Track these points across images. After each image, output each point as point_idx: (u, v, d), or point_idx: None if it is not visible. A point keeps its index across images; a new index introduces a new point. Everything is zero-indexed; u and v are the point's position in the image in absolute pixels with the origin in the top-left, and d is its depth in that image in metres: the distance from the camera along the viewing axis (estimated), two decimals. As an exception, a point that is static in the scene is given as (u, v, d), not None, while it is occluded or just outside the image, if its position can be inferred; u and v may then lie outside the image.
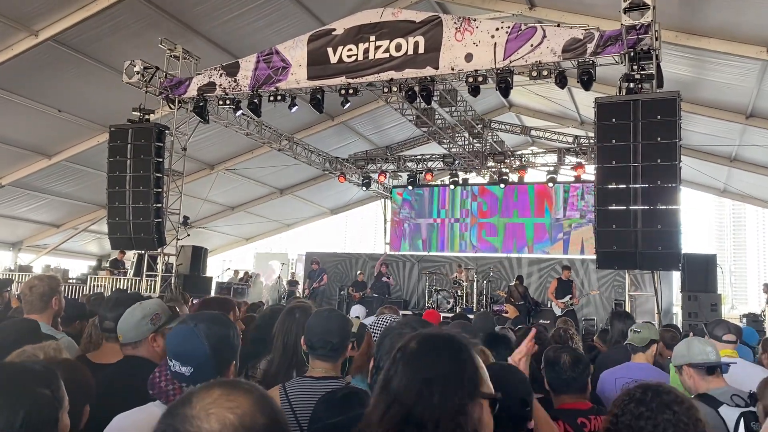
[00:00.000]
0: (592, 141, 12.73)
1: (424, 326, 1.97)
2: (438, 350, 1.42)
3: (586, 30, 9.78)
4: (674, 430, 1.84)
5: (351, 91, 11.44)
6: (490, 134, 18.29)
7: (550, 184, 18.45)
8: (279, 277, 19.18)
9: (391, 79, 11.09)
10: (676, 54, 11.76)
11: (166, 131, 12.60)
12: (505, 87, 10.39)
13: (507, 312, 7.60)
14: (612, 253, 9.11)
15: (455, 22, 10.65)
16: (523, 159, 18.56)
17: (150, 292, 12.41)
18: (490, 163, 18.70)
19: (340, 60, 11.36)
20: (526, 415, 2.03)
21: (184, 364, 1.92)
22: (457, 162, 18.75)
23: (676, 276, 13.01)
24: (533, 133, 18.73)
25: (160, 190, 12.31)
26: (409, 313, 14.25)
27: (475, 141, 17.82)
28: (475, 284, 15.86)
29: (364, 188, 20.49)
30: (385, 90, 11.41)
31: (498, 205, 20.30)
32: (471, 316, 7.47)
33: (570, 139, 17.66)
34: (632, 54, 9.27)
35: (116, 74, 12.37)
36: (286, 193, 22.05)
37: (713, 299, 11.89)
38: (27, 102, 13.17)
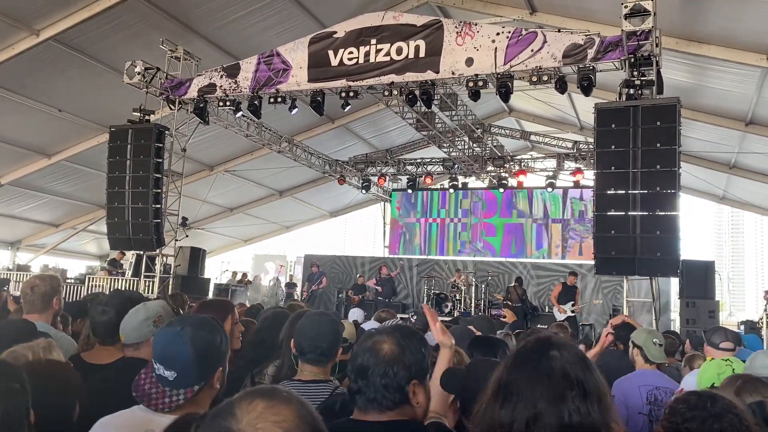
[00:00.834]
0: (591, 146, 12.75)
1: (392, 328, 1.96)
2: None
3: (586, 36, 9.81)
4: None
5: (351, 94, 11.45)
6: (489, 139, 18.31)
7: (549, 189, 18.46)
8: (277, 279, 19.15)
9: (392, 83, 11.11)
10: (677, 60, 11.79)
11: (166, 132, 12.60)
12: (505, 92, 10.41)
13: (505, 317, 7.59)
14: (610, 258, 9.11)
15: (456, 27, 10.67)
16: (522, 164, 18.59)
17: (148, 293, 12.39)
18: (490, 168, 18.73)
19: (341, 63, 11.37)
20: None
21: (168, 368, 1.88)
22: (456, 166, 18.77)
23: (674, 282, 13.02)
24: (533, 138, 18.78)
25: (159, 190, 12.31)
26: (407, 316, 14.25)
27: (474, 145, 17.84)
28: (473, 288, 15.85)
29: (363, 191, 20.50)
30: (386, 93, 11.42)
31: (497, 205, 20.29)
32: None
33: (569, 145, 17.69)
34: (632, 60, 9.29)
35: (117, 74, 12.37)
36: (285, 195, 22.05)
37: (711, 306, 11.90)
38: (27, 101, 13.18)
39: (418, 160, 19.74)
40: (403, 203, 21.67)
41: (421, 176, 19.56)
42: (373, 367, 1.78)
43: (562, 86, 10.21)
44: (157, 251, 12.72)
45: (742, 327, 12.48)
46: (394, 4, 13.11)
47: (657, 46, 9.20)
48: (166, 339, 1.93)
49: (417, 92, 11.13)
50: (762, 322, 11.65)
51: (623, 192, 8.97)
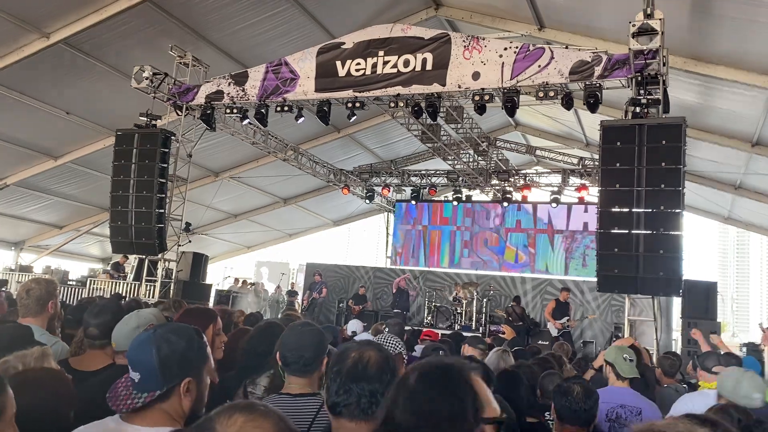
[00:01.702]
0: (596, 163, 12.73)
1: (371, 342, 1.99)
2: (437, 383, 1.43)
3: (594, 53, 9.83)
4: None
5: (358, 104, 11.49)
6: (495, 152, 18.32)
7: (554, 205, 18.43)
8: (279, 287, 19.14)
9: (398, 95, 11.13)
10: (684, 80, 11.78)
11: (172, 137, 12.65)
12: (511, 106, 10.42)
13: (504, 333, 7.57)
14: (613, 276, 9.07)
15: (464, 41, 10.71)
16: (527, 178, 18.58)
17: (149, 297, 12.39)
18: (494, 181, 18.73)
19: (348, 73, 11.42)
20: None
21: (134, 369, 1.88)
22: (461, 179, 18.78)
23: (676, 302, 12.95)
24: (538, 152, 18.77)
25: (163, 195, 12.34)
26: (408, 328, 14.20)
27: (479, 158, 17.86)
28: (474, 302, 15.79)
29: (367, 201, 20.52)
30: (392, 105, 11.46)
31: (502, 215, 20.24)
32: (467, 334, 7.45)
33: (575, 160, 17.68)
34: (639, 78, 9.30)
35: (125, 79, 12.44)
36: (289, 203, 22.08)
37: (713, 327, 11.79)
38: (35, 103, 13.25)
39: (423, 172, 19.76)
40: (406, 213, 21.59)
41: (425, 188, 19.57)
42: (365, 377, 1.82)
43: (568, 102, 10.21)
44: (160, 256, 12.73)
45: (744, 349, 12.39)
46: (402, 16, 13.17)
47: (664, 65, 9.20)
48: (137, 341, 1.94)
49: (423, 104, 11.16)
50: (764, 345, 11.57)
51: (627, 210, 8.95)
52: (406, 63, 11.00)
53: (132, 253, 13.32)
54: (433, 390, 1.42)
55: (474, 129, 16.02)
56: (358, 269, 20.29)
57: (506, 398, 2.86)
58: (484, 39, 10.67)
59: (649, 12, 8.86)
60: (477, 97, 10.63)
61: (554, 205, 18.41)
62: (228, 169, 18.52)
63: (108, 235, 13.08)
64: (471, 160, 17.74)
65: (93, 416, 1.89)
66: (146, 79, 12.08)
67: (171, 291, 13.05)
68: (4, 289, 5.05)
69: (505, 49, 10.40)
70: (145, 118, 12.58)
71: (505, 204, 19.07)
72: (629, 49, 9.06)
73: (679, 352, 12.33)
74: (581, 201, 17.98)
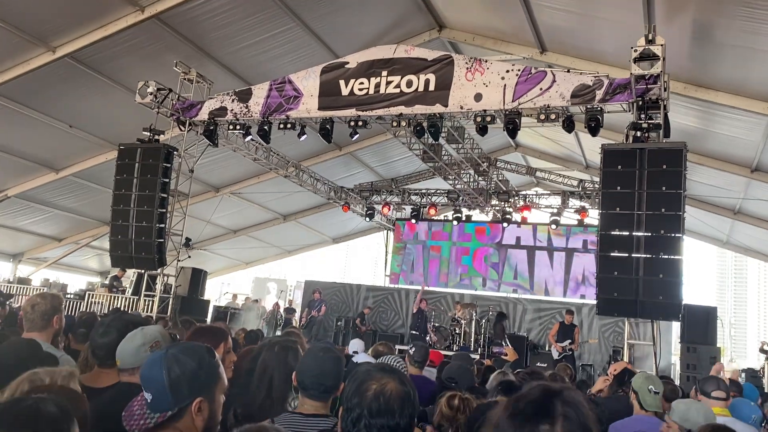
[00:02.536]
0: (597, 185, 12.79)
1: (389, 368, 1.95)
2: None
3: (595, 77, 9.91)
4: None
5: (360, 123, 11.56)
6: (495, 173, 18.38)
7: (554, 226, 18.45)
8: (277, 304, 19.07)
9: (401, 114, 11.21)
10: (685, 105, 11.88)
11: (175, 152, 12.68)
12: (512, 128, 10.49)
13: (506, 354, 7.53)
14: (612, 300, 9.07)
15: (467, 62, 10.81)
16: (527, 199, 18.63)
17: (147, 312, 12.35)
18: (494, 202, 18.78)
19: (352, 93, 11.50)
20: None
21: (146, 389, 1.90)
22: (461, 198, 18.82)
23: (675, 326, 12.93)
24: (538, 174, 18.86)
25: (164, 210, 12.35)
26: (405, 348, 14.11)
27: (480, 179, 17.92)
28: (473, 323, 15.70)
29: (367, 219, 20.53)
30: (394, 124, 11.53)
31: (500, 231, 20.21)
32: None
33: (575, 183, 17.75)
34: (640, 103, 9.37)
35: (129, 94, 12.52)
36: (289, 219, 22.09)
37: (712, 352, 11.79)
38: (39, 116, 13.31)
39: (423, 191, 19.81)
40: (405, 232, 21.57)
41: (426, 206, 19.60)
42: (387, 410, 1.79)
43: (569, 125, 10.29)
44: (159, 271, 12.71)
45: (744, 374, 12.35)
46: (406, 37, 13.30)
47: (665, 90, 9.28)
48: (149, 361, 1.96)
49: (425, 124, 11.22)
50: (764, 371, 11.56)
51: (627, 233, 8.97)
52: (409, 83, 11.09)
53: (131, 267, 13.29)
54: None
55: (475, 149, 16.10)
56: (358, 287, 20.23)
57: None
58: (486, 61, 10.77)
59: (650, 37, 8.96)
60: (479, 119, 10.71)
61: (554, 226, 18.45)
62: (229, 185, 18.56)
63: (107, 248, 13.09)
64: (471, 180, 17.80)
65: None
66: (150, 94, 12.15)
67: (169, 306, 13.01)
68: (9, 302, 5.02)
69: (507, 71, 10.49)
70: (148, 133, 12.63)
71: (505, 224, 19.09)
72: (631, 73, 9.14)
73: (677, 376, 12.31)
74: (581, 223, 18.01)
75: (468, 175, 17.62)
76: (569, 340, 13.02)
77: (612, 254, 9.10)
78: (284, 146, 15.38)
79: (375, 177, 20.22)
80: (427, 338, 15.08)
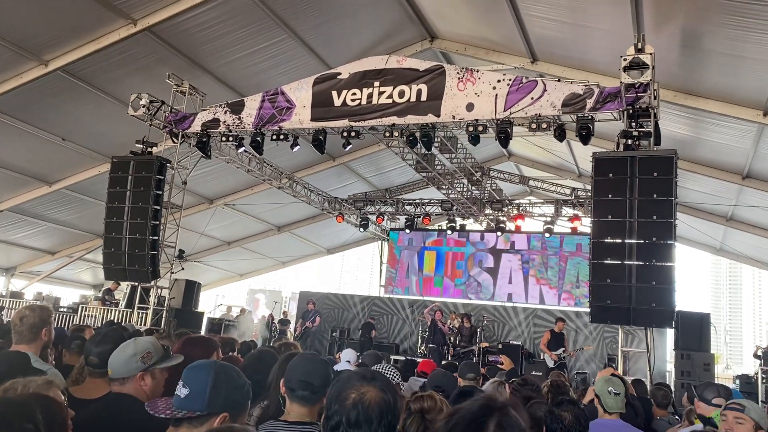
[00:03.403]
0: (589, 193, 12.85)
1: (371, 374, 1.95)
2: None
3: (586, 86, 9.98)
4: None
5: (353, 133, 11.59)
6: (488, 182, 18.44)
7: (547, 235, 18.49)
8: (271, 315, 19.01)
9: (393, 125, 11.24)
10: (675, 113, 11.97)
11: (168, 164, 12.68)
12: (504, 137, 10.54)
13: (502, 363, 7.53)
14: (606, 307, 9.09)
15: (458, 72, 10.87)
16: (520, 208, 18.68)
17: (141, 324, 12.30)
18: (488, 211, 18.82)
19: (344, 103, 11.54)
20: None
21: (185, 385, 2.01)
22: (455, 208, 18.86)
23: (670, 333, 12.96)
24: (531, 183, 18.92)
25: (157, 222, 12.33)
26: (402, 358, 14.09)
27: (473, 188, 17.96)
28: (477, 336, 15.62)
29: (361, 229, 20.53)
30: (387, 134, 11.55)
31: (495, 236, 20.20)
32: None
33: (567, 191, 17.81)
34: (631, 111, 9.44)
35: (122, 106, 12.53)
36: (283, 231, 22.08)
37: (706, 359, 11.82)
38: (32, 129, 13.30)
39: (417, 201, 19.84)
40: (400, 237, 21.52)
41: (420, 216, 19.62)
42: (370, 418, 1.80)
43: (561, 134, 10.35)
44: (152, 283, 12.67)
45: (738, 381, 12.38)
46: (398, 48, 13.37)
47: (655, 98, 9.36)
48: (198, 364, 2.11)
49: (417, 134, 11.27)
50: (757, 377, 11.58)
51: (620, 241, 9.01)
52: (402, 94, 11.14)
53: (124, 279, 13.25)
54: None
55: (468, 159, 16.16)
56: (353, 298, 20.21)
57: None
58: (477, 71, 10.84)
59: (640, 46, 9.04)
60: (471, 128, 10.76)
61: (548, 234, 18.48)
62: (222, 197, 18.54)
63: (100, 261, 13.02)
64: (465, 189, 17.84)
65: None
66: (143, 106, 12.15)
67: (163, 319, 12.96)
68: (0, 314, 4.98)
69: (499, 81, 10.55)
70: (141, 146, 12.63)
71: (499, 233, 19.11)
72: (621, 82, 9.22)
73: (672, 382, 12.31)
74: (574, 231, 18.07)
75: (461, 185, 17.67)
76: (562, 348, 13.03)
77: (605, 262, 9.13)
78: (277, 157, 15.39)
79: (369, 187, 20.24)
80: (442, 349, 15.01)
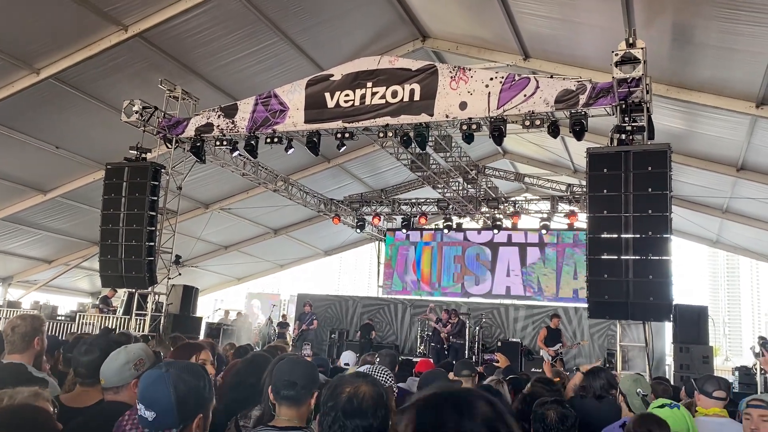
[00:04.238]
0: (584, 189, 12.86)
1: (363, 375, 2.00)
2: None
3: (578, 82, 9.99)
4: None
5: (347, 135, 11.56)
6: (484, 180, 18.46)
7: (543, 231, 18.51)
8: (269, 318, 18.99)
9: (387, 125, 11.24)
10: (668, 107, 11.98)
11: (162, 170, 12.65)
12: (498, 135, 10.54)
13: (498, 361, 7.53)
14: (603, 302, 9.08)
15: (450, 71, 10.86)
16: (516, 205, 18.69)
17: (139, 331, 12.26)
18: (484, 209, 18.83)
19: (337, 105, 11.53)
20: None
21: (148, 408, 1.92)
22: (451, 207, 18.86)
23: (668, 327, 12.96)
24: (527, 180, 18.93)
25: (153, 228, 12.29)
26: (400, 359, 14.07)
27: (469, 186, 17.97)
28: (467, 330, 15.69)
29: (358, 230, 20.52)
30: (381, 135, 11.55)
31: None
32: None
33: (563, 187, 17.83)
34: (624, 106, 9.43)
35: (115, 113, 12.50)
36: (280, 234, 22.06)
37: (705, 351, 11.81)
38: (25, 138, 13.26)
39: (413, 200, 19.84)
40: (397, 235, 21.51)
41: (416, 216, 19.62)
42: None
43: (554, 130, 10.35)
44: (150, 289, 12.64)
45: (737, 373, 12.39)
46: (390, 48, 13.37)
47: (647, 92, 9.36)
48: (149, 379, 1.97)
49: (412, 134, 11.27)
50: (756, 368, 11.59)
51: (616, 236, 9.00)
52: (394, 94, 11.13)
53: (122, 286, 13.21)
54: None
55: (463, 157, 16.16)
56: (352, 299, 20.20)
57: None
58: (470, 69, 10.83)
59: (631, 41, 9.04)
60: (465, 127, 10.76)
61: (544, 231, 18.51)
62: (218, 201, 18.53)
63: (97, 269, 12.99)
64: (460, 188, 17.85)
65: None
66: (136, 113, 12.12)
67: (161, 324, 12.93)
68: None
69: (491, 79, 10.55)
70: (135, 152, 12.58)
71: (496, 231, 19.12)
72: (613, 77, 9.22)
73: (671, 376, 12.32)
74: (571, 227, 18.10)
75: (457, 183, 17.67)
76: (559, 344, 13.07)
77: (602, 257, 9.12)
78: (272, 160, 15.37)
79: (364, 188, 20.23)
80: (440, 347, 15.02)
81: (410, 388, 5.25)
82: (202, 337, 15.52)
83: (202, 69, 12.88)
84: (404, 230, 20.12)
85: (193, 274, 20.83)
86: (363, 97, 11.35)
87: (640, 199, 8.84)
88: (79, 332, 10.81)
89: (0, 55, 10.98)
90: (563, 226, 18.75)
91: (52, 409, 2.11)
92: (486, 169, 18.75)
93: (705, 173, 14.45)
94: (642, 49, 9.00)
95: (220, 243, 21.65)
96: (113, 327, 12.20)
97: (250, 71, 13.15)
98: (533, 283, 19.41)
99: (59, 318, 15.21)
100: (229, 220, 19.62)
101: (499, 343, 15.76)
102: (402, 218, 19.95)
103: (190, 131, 12.72)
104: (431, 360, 10.25)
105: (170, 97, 12.67)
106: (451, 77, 10.80)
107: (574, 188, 17.47)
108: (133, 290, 12.81)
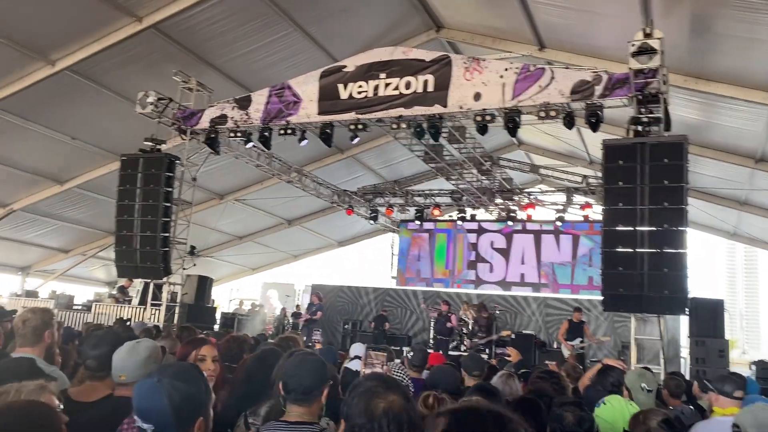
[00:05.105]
0: (601, 181, 12.73)
1: (392, 382, 1.96)
2: None
3: (594, 72, 9.86)
4: None
5: (360, 126, 11.54)
6: (498, 171, 18.32)
7: (558, 223, 18.37)
8: (284, 309, 19.08)
9: (400, 116, 11.19)
10: (685, 98, 11.80)
11: (177, 161, 12.71)
12: (512, 126, 10.46)
13: (510, 355, 7.50)
14: (618, 295, 9.02)
15: (464, 62, 10.78)
16: (531, 197, 18.56)
17: (154, 321, 12.37)
18: (498, 200, 18.72)
19: (351, 96, 11.49)
20: None
21: (145, 420, 1.87)
22: (464, 198, 18.77)
23: (684, 320, 12.84)
24: (542, 171, 18.76)
25: (168, 219, 12.39)
26: (407, 350, 14.10)
27: (483, 178, 17.86)
28: (494, 325, 15.56)
29: (371, 222, 20.52)
30: (394, 126, 11.51)
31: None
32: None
33: (578, 179, 17.65)
34: (640, 97, 9.32)
35: (130, 104, 12.55)
36: (294, 224, 22.12)
37: (721, 345, 11.67)
38: (42, 129, 13.38)
39: (426, 192, 19.77)
40: (411, 232, 21.52)
41: (429, 207, 19.56)
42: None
43: (569, 122, 10.23)
44: (165, 279, 12.74)
45: (754, 367, 12.24)
46: (403, 39, 13.28)
47: (665, 83, 9.23)
48: (143, 391, 1.91)
49: (425, 125, 11.19)
50: (774, 363, 11.45)
51: (631, 228, 8.91)
52: (408, 85, 11.07)
53: (137, 277, 13.33)
54: None
55: (477, 148, 16.06)
56: (365, 289, 20.21)
57: None
58: (484, 60, 10.74)
59: (648, 31, 8.92)
60: (479, 118, 10.68)
61: (559, 223, 18.36)
62: (232, 192, 18.60)
63: (113, 258, 13.12)
64: (474, 179, 17.75)
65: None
66: (150, 104, 12.17)
67: (176, 315, 13.04)
68: (10, 318, 4.95)
69: (506, 69, 10.46)
70: (150, 143, 12.67)
71: (510, 223, 19.01)
72: (629, 68, 9.10)
73: (687, 371, 12.22)
74: (586, 219, 17.94)
75: (471, 175, 17.57)
76: (580, 338, 12.95)
77: (617, 250, 9.05)
78: (286, 152, 15.38)
79: (378, 179, 20.20)
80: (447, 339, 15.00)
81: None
82: (216, 327, 15.63)
83: (216, 60, 12.90)
84: (417, 221, 20.07)
85: (208, 265, 20.99)
86: (376, 88, 11.30)
87: (656, 191, 8.75)
88: (93, 322, 10.93)
89: (16, 47, 11.07)
90: (578, 218, 18.58)
91: (57, 403, 2.11)
92: (500, 160, 18.61)
93: (723, 165, 14.24)
94: (659, 39, 8.88)
95: (234, 233, 21.76)
96: (128, 317, 12.30)
97: (264, 62, 13.14)
98: (549, 271, 19.31)
99: (76, 307, 15.40)
100: (243, 211, 19.71)
101: (513, 336, 15.67)
102: (415, 209, 19.91)
103: (204, 122, 12.76)
104: (441, 353, 10.22)
105: (185, 88, 12.70)
106: (465, 68, 10.72)
107: (590, 180, 17.29)
108: (149, 280, 12.92)
